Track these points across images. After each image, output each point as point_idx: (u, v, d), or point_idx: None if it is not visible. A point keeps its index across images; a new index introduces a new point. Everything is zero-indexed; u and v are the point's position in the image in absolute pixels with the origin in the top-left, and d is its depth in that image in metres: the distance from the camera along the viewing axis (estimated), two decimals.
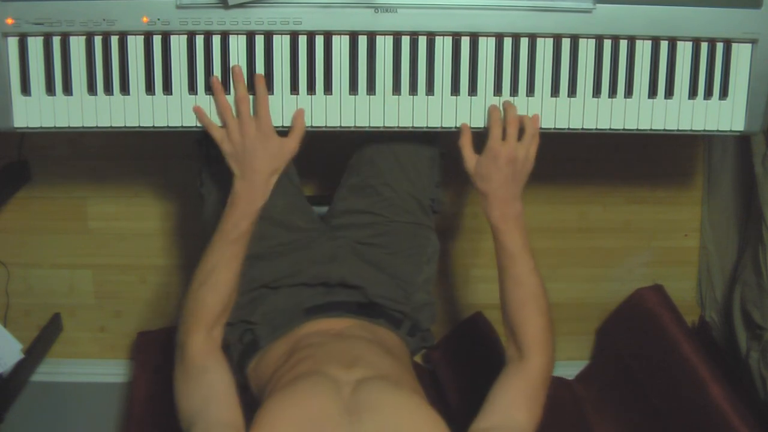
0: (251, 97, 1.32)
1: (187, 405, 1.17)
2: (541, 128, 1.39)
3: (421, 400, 1.15)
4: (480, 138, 1.34)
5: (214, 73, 1.35)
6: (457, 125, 1.38)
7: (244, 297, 1.47)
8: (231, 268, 1.28)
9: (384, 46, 1.35)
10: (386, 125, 1.37)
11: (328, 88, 1.36)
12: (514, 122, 1.32)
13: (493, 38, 1.36)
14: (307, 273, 1.46)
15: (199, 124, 1.35)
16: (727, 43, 1.39)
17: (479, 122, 1.38)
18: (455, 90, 1.37)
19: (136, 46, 1.34)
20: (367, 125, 1.37)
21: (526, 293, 1.30)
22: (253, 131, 1.29)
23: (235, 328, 1.46)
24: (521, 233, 1.31)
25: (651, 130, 1.41)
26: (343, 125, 1.37)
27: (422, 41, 1.35)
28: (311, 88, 1.36)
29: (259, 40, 1.34)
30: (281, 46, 1.35)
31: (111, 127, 1.36)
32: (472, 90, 1.37)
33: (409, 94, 1.36)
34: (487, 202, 1.32)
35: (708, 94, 1.40)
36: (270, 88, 1.35)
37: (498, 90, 1.37)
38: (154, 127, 1.36)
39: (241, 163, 1.29)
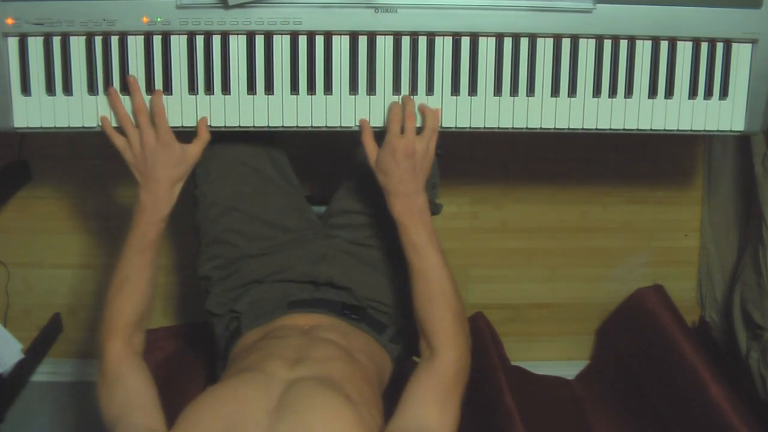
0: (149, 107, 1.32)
1: (108, 411, 1.19)
2: (541, 128, 1.39)
3: (350, 407, 1.10)
4: None
5: (215, 73, 1.35)
6: (458, 125, 1.38)
7: (234, 291, 1.48)
8: (143, 276, 1.30)
9: (384, 46, 1.35)
10: (386, 125, 1.37)
11: (328, 88, 1.36)
12: (412, 116, 1.31)
13: (493, 38, 1.36)
14: (296, 270, 1.46)
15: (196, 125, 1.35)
16: (727, 43, 1.39)
17: (479, 122, 1.38)
18: (455, 90, 1.37)
19: (136, 46, 1.34)
20: (371, 128, 1.37)
21: (433, 288, 1.27)
22: (152, 141, 1.30)
23: (222, 319, 1.48)
24: (425, 227, 1.30)
25: (651, 130, 1.41)
26: (343, 125, 1.37)
27: (422, 41, 1.35)
28: (311, 88, 1.36)
29: (259, 40, 1.34)
30: (281, 46, 1.35)
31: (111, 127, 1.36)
32: (472, 90, 1.37)
33: (410, 95, 1.36)
34: (390, 197, 1.30)
35: (708, 94, 1.40)
36: (270, 89, 1.36)
37: (498, 90, 1.37)
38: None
39: (143, 173, 1.30)
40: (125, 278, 1.29)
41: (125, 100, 1.33)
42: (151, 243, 1.30)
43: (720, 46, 1.39)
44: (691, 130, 1.42)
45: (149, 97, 1.33)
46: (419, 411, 1.16)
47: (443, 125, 1.38)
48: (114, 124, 1.34)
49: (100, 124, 1.35)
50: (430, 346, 1.26)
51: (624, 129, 1.41)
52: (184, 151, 1.31)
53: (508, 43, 1.36)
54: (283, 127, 1.37)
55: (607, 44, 1.38)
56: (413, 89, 1.36)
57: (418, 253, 1.29)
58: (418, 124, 1.33)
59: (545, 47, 1.37)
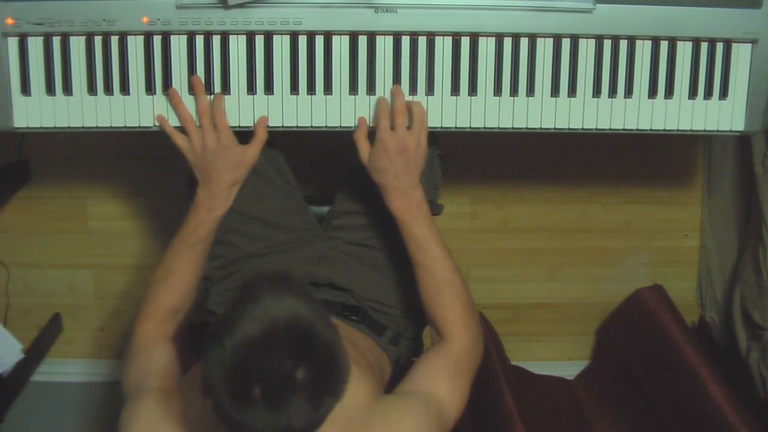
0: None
1: (129, 380, 1.20)
2: (541, 128, 1.39)
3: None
4: None
5: (215, 73, 1.35)
6: (458, 125, 1.38)
7: (234, 291, 1.47)
8: (188, 270, 1.31)
9: (384, 46, 1.35)
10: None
11: (328, 88, 1.36)
12: (401, 111, 1.30)
13: (493, 38, 1.36)
14: (297, 271, 1.46)
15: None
16: (727, 43, 1.39)
17: (479, 122, 1.38)
18: (455, 90, 1.37)
19: (136, 46, 1.34)
20: (368, 125, 1.37)
21: (440, 280, 1.28)
22: (213, 144, 1.30)
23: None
24: (426, 221, 1.30)
25: (651, 130, 1.41)
26: (343, 125, 1.37)
27: (422, 41, 1.35)
28: (311, 88, 1.36)
29: (259, 40, 1.34)
30: (281, 46, 1.35)
31: (111, 127, 1.36)
32: (472, 90, 1.37)
33: (409, 94, 1.36)
34: (387, 194, 1.31)
35: (708, 94, 1.40)
36: (270, 89, 1.36)
37: (498, 90, 1.37)
38: (154, 127, 1.36)
39: (204, 173, 1.31)
40: (169, 270, 1.31)
41: (188, 101, 1.33)
42: (200, 240, 1.31)
43: (720, 46, 1.39)
44: (691, 130, 1.42)
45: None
46: (429, 380, 1.18)
47: (443, 125, 1.38)
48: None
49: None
50: (442, 334, 1.26)
51: (624, 129, 1.41)
52: (243, 153, 1.32)
53: (508, 43, 1.36)
54: (283, 127, 1.37)
55: (607, 44, 1.38)
56: (413, 89, 1.36)
57: (421, 247, 1.29)
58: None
59: (545, 47, 1.37)
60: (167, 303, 1.30)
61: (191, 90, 1.34)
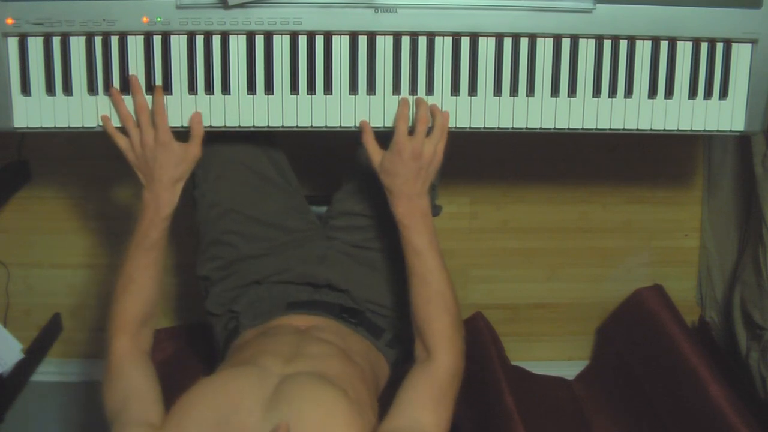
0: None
1: (110, 404, 1.20)
2: (541, 128, 1.39)
3: (346, 400, 1.11)
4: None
5: (215, 73, 1.35)
6: (458, 125, 1.38)
7: (233, 291, 1.48)
8: (148, 275, 1.30)
9: (384, 46, 1.35)
10: (386, 125, 1.37)
11: (328, 88, 1.36)
12: (424, 120, 1.30)
13: (493, 38, 1.36)
14: (295, 271, 1.46)
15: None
16: (727, 43, 1.39)
17: (479, 122, 1.38)
18: (455, 90, 1.37)
19: (136, 46, 1.34)
20: (371, 127, 1.37)
21: (432, 291, 1.27)
22: (151, 141, 1.30)
23: (220, 319, 1.48)
24: (427, 230, 1.30)
25: (651, 130, 1.41)
26: (343, 125, 1.37)
27: (422, 41, 1.35)
28: (311, 89, 1.36)
29: (259, 41, 1.34)
30: (281, 46, 1.35)
31: None
32: (472, 90, 1.37)
33: (409, 94, 1.36)
34: (393, 198, 1.30)
35: (708, 94, 1.40)
36: (270, 89, 1.36)
37: (498, 90, 1.37)
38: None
39: (145, 173, 1.31)
40: (130, 278, 1.30)
41: (127, 100, 1.33)
42: (154, 242, 1.30)
43: (720, 46, 1.39)
44: (691, 130, 1.42)
45: (149, 96, 1.33)
46: (413, 412, 1.16)
47: None
48: (116, 124, 1.34)
49: (101, 124, 1.35)
50: (427, 348, 1.26)
51: (624, 129, 1.41)
52: (184, 151, 1.32)
53: (508, 43, 1.36)
54: (283, 127, 1.37)
55: (607, 44, 1.38)
56: (413, 89, 1.36)
57: (419, 256, 1.29)
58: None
59: (545, 47, 1.37)
60: (133, 313, 1.29)
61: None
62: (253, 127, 1.36)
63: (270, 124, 1.37)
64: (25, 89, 1.34)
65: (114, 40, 1.34)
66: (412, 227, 1.29)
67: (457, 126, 1.38)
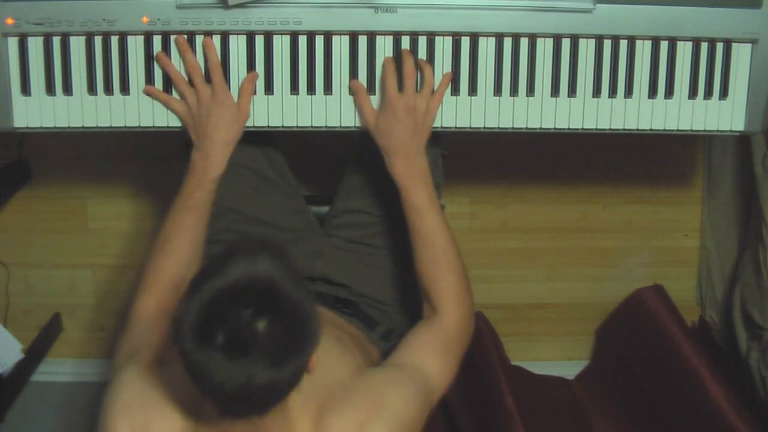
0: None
1: (120, 355, 1.17)
2: (541, 128, 1.39)
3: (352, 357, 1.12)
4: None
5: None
6: (458, 125, 1.38)
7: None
8: (186, 237, 1.29)
9: (384, 46, 1.35)
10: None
11: (328, 88, 1.36)
12: (411, 74, 1.30)
13: (493, 38, 1.36)
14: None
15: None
16: (727, 43, 1.39)
17: (479, 122, 1.38)
18: (455, 90, 1.37)
19: (136, 46, 1.34)
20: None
21: (436, 250, 1.27)
22: (208, 97, 1.30)
23: None
24: (427, 189, 1.29)
25: (651, 130, 1.41)
26: (343, 125, 1.37)
27: (422, 41, 1.35)
28: (311, 88, 1.36)
29: (259, 40, 1.34)
30: (281, 46, 1.35)
31: (111, 127, 1.36)
32: (472, 90, 1.37)
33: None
34: (390, 158, 1.29)
35: (708, 94, 1.40)
36: (270, 89, 1.36)
37: (498, 90, 1.37)
38: (154, 127, 1.36)
39: (198, 133, 1.30)
40: (166, 238, 1.28)
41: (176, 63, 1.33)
42: (197, 204, 1.29)
43: (720, 46, 1.39)
44: (691, 130, 1.42)
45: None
46: (417, 354, 1.17)
47: (443, 125, 1.38)
48: (114, 121, 1.33)
49: (101, 124, 1.34)
50: (434, 307, 1.25)
51: (624, 129, 1.41)
52: (237, 109, 1.31)
53: (508, 43, 1.36)
54: (283, 127, 1.37)
55: (607, 44, 1.38)
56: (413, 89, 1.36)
57: (420, 216, 1.28)
58: None
59: (545, 47, 1.37)
60: (167, 274, 1.26)
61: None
62: (253, 127, 1.36)
63: (270, 124, 1.37)
64: (25, 89, 1.34)
65: (114, 40, 1.34)
66: (412, 186, 1.28)
67: (457, 126, 1.38)
